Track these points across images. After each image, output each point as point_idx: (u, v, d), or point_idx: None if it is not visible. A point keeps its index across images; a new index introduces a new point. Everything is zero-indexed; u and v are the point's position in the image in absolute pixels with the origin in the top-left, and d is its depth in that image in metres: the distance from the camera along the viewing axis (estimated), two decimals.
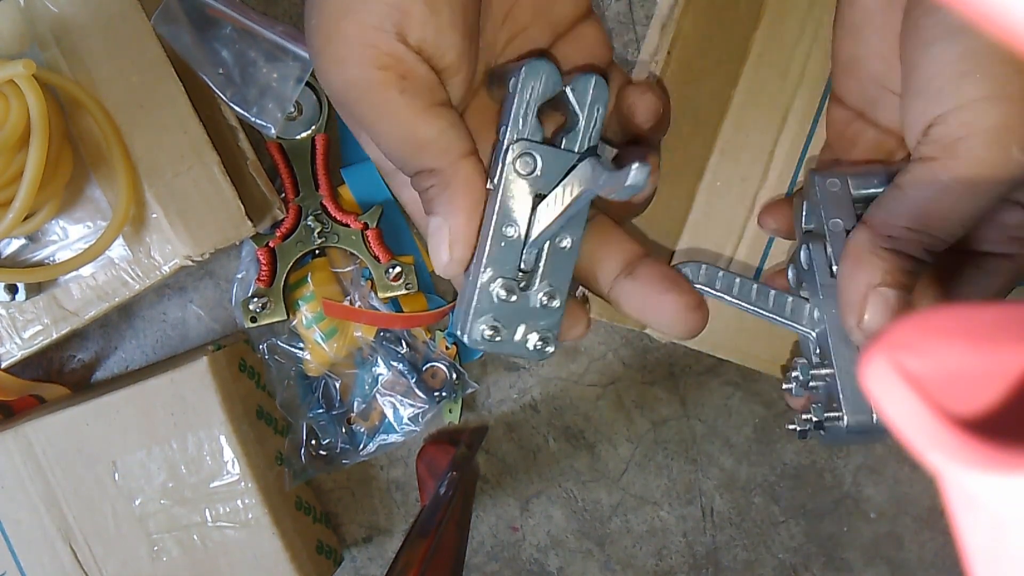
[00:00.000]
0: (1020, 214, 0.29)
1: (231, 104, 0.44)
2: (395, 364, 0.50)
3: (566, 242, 0.30)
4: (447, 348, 0.51)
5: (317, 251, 0.49)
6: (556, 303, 0.30)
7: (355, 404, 0.51)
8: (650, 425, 0.53)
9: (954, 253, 0.31)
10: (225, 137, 0.47)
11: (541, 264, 0.30)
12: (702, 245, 0.43)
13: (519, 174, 0.29)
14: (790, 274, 0.39)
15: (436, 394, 0.51)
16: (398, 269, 0.47)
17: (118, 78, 0.43)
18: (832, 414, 0.32)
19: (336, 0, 0.27)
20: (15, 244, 0.45)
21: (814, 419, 0.33)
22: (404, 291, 0.48)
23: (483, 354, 0.52)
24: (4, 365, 0.47)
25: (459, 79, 0.28)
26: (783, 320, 0.36)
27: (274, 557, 0.47)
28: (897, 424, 0.14)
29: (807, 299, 0.36)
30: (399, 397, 0.50)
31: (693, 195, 0.43)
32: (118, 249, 0.45)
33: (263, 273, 0.48)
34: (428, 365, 0.51)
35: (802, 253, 0.36)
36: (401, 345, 0.51)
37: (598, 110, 0.30)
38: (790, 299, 0.36)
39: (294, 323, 0.49)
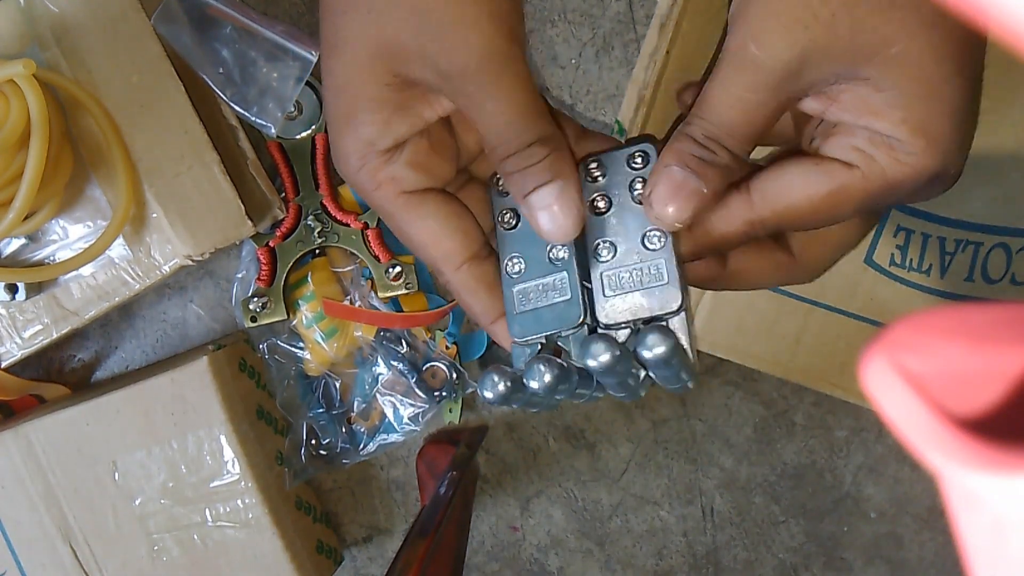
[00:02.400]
0: (864, 132, 0.28)
1: (231, 104, 0.44)
2: (395, 364, 0.50)
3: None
4: (447, 348, 0.51)
5: (317, 251, 0.49)
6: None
7: (355, 404, 0.51)
8: (650, 425, 0.53)
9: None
10: (225, 137, 0.47)
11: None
12: None
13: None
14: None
15: (436, 394, 0.51)
16: (398, 269, 0.47)
17: (118, 78, 0.43)
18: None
19: (338, 108, 0.29)
20: (15, 244, 0.45)
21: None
22: (404, 291, 0.48)
23: (483, 354, 0.52)
24: (4, 365, 0.47)
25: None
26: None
27: (274, 557, 0.47)
28: (897, 424, 0.14)
29: None
30: (399, 397, 0.50)
31: None
32: (118, 249, 0.45)
33: (263, 273, 0.48)
34: (428, 365, 0.51)
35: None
36: (401, 345, 0.51)
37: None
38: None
39: (294, 323, 0.49)
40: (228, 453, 0.47)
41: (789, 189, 0.29)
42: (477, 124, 0.29)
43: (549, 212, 0.28)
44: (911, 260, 0.43)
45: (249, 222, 0.44)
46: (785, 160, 0.30)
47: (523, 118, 0.28)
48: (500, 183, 0.31)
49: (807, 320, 0.44)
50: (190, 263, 0.44)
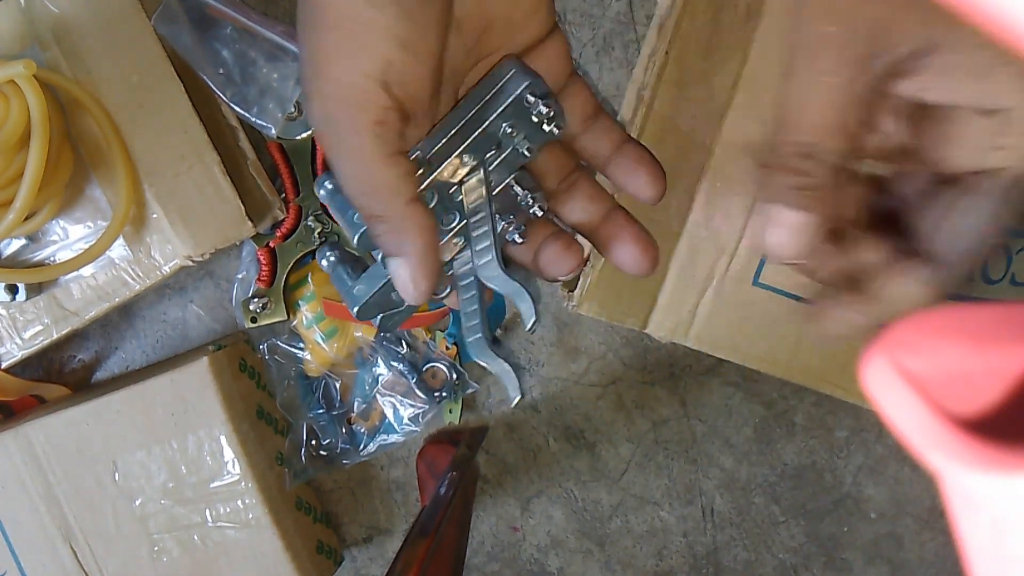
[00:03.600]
0: (982, 122, 0.25)
1: (231, 104, 0.44)
2: (395, 364, 0.50)
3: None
4: (447, 348, 0.51)
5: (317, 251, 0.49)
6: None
7: (355, 404, 0.51)
8: (650, 425, 0.53)
9: (931, 184, 0.27)
10: (225, 137, 0.47)
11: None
12: (701, 244, 0.43)
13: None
14: None
15: (436, 394, 0.51)
16: None
17: (118, 78, 0.43)
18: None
19: (330, 41, 0.27)
20: (15, 244, 0.45)
21: None
22: None
23: None
24: (4, 365, 0.47)
25: (426, 121, 0.29)
26: None
27: (274, 557, 0.47)
28: (897, 424, 0.14)
29: None
30: (399, 397, 0.50)
31: (693, 194, 0.43)
32: (118, 249, 0.45)
33: (263, 273, 0.48)
34: (428, 365, 0.51)
35: None
36: (401, 345, 0.51)
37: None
38: None
39: (294, 323, 0.49)
40: (228, 453, 0.47)
41: (957, 235, 0.26)
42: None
43: (396, 281, 0.29)
44: None
45: (249, 222, 0.44)
46: (930, 200, 0.27)
47: (363, 187, 0.28)
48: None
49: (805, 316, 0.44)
50: (190, 263, 0.44)
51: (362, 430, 0.52)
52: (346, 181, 0.28)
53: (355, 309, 0.31)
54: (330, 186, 0.30)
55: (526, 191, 0.31)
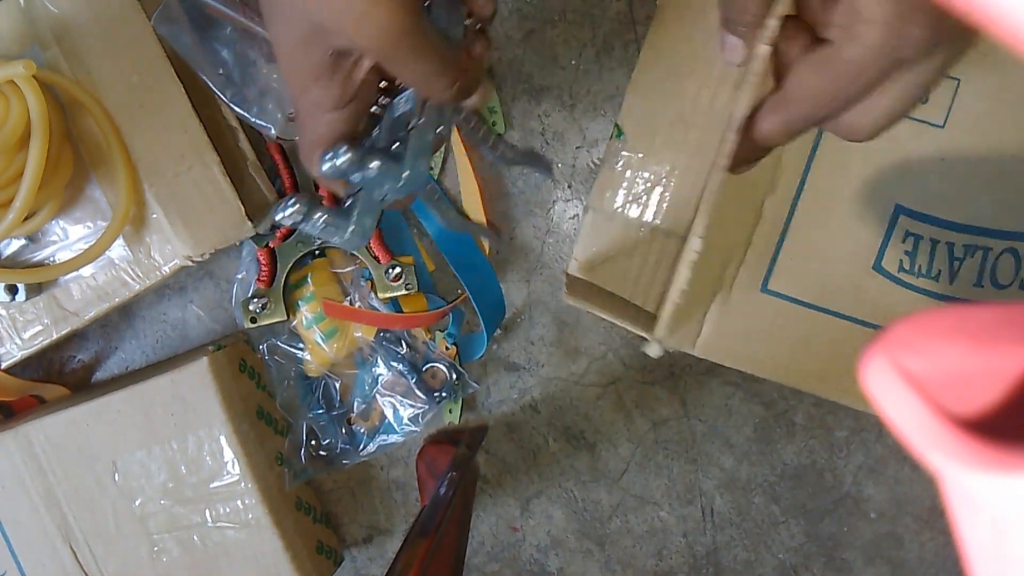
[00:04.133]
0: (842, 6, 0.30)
1: (231, 104, 0.44)
2: (395, 364, 0.50)
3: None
4: (447, 348, 0.51)
5: (317, 251, 0.49)
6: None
7: (355, 404, 0.51)
8: (650, 425, 0.53)
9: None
10: (225, 137, 0.47)
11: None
12: (710, 252, 0.43)
13: None
14: None
15: (436, 394, 0.51)
16: (398, 270, 0.47)
17: (118, 78, 0.43)
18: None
19: (288, 81, 0.32)
20: (15, 244, 0.45)
21: None
22: (404, 291, 0.48)
23: (483, 354, 0.52)
24: (4, 365, 0.47)
25: None
26: None
27: (274, 557, 0.47)
28: (897, 424, 0.14)
29: None
30: (399, 397, 0.50)
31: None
32: (118, 249, 0.45)
33: (263, 273, 0.48)
34: (428, 365, 0.51)
35: None
36: (401, 345, 0.51)
37: None
38: None
39: (294, 323, 0.49)
40: (228, 453, 0.47)
41: (801, 83, 0.32)
42: (404, 82, 0.34)
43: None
44: (919, 266, 0.43)
45: (249, 222, 0.44)
46: (804, 56, 0.32)
47: (440, 72, 0.33)
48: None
49: (813, 326, 0.44)
50: (190, 264, 0.44)
51: (362, 430, 0.52)
52: (417, 78, 0.32)
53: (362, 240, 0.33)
54: (339, 160, 0.32)
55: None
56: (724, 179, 0.36)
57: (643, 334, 0.43)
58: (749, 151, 0.35)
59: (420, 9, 0.32)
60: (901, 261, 0.43)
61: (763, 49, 0.33)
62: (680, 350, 0.45)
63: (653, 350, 0.39)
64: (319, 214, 0.32)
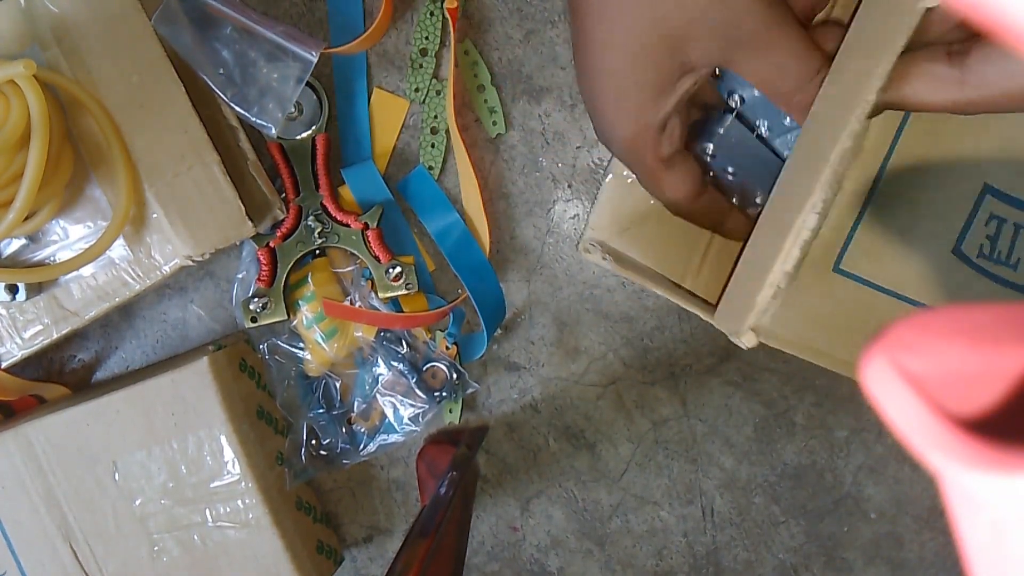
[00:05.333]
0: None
1: (231, 104, 0.44)
2: (395, 364, 0.50)
3: None
4: (447, 348, 0.51)
5: (317, 251, 0.49)
6: None
7: (355, 404, 0.51)
8: (650, 425, 0.53)
9: None
10: (225, 137, 0.47)
11: None
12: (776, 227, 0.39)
13: None
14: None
15: (436, 394, 0.51)
16: (398, 269, 0.47)
17: (118, 78, 0.43)
18: None
19: (611, 89, 0.34)
20: (15, 244, 0.45)
21: None
22: (404, 291, 0.48)
23: (484, 354, 0.52)
24: (4, 365, 0.47)
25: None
26: None
27: (274, 557, 0.47)
28: (897, 424, 0.14)
29: None
30: (399, 397, 0.50)
31: None
32: (118, 249, 0.45)
33: (263, 273, 0.48)
34: (428, 365, 0.51)
35: None
36: (401, 345, 0.51)
37: None
38: None
39: (294, 323, 0.49)
40: (228, 453, 0.47)
41: (1005, 77, 0.29)
42: (769, 80, 0.34)
43: None
44: (1000, 252, 0.39)
45: (249, 222, 0.44)
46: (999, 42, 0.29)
47: (805, 56, 0.34)
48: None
49: (885, 312, 0.40)
50: (190, 263, 0.44)
51: (362, 430, 0.52)
52: (785, 65, 0.34)
53: None
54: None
55: None
56: (849, 148, 0.32)
57: (679, 301, 0.41)
58: (876, 109, 0.33)
59: None
60: (982, 245, 0.40)
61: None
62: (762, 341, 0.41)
63: (748, 341, 0.36)
64: None
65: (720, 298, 0.41)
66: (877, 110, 0.33)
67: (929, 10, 0.30)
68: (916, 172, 0.39)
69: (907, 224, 0.39)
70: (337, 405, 0.52)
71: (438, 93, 0.49)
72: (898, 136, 0.39)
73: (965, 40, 0.31)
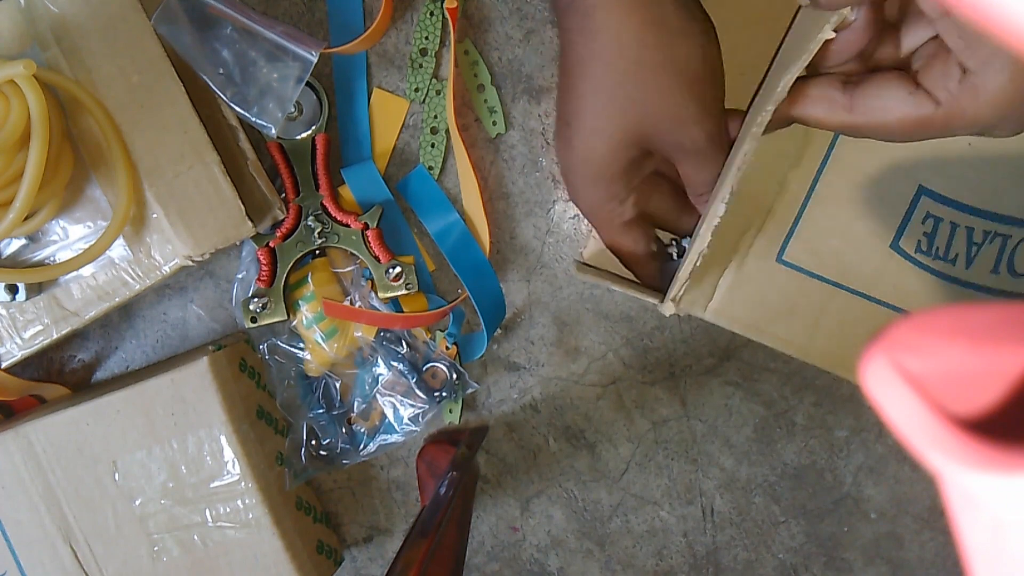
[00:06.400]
0: (957, 72, 0.33)
1: (231, 104, 0.44)
2: (395, 364, 0.50)
3: None
4: (447, 348, 0.51)
5: (317, 251, 0.49)
6: None
7: (355, 404, 0.51)
8: (650, 425, 0.53)
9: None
10: (225, 137, 0.47)
11: None
12: (729, 218, 0.43)
13: None
14: None
15: (436, 394, 0.51)
16: (398, 269, 0.47)
17: (118, 78, 0.43)
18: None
19: (587, 169, 0.42)
20: (15, 244, 0.45)
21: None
22: (404, 291, 0.48)
23: (484, 354, 0.52)
24: (4, 365, 0.47)
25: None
26: None
27: (274, 557, 0.47)
28: (897, 424, 0.14)
29: None
30: (399, 397, 0.50)
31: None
32: (118, 249, 0.45)
33: (263, 273, 0.48)
34: (428, 365, 0.51)
35: None
36: (401, 345, 0.51)
37: None
38: None
39: (294, 323, 0.49)
40: (228, 453, 0.47)
41: (884, 110, 0.34)
42: (692, 179, 0.42)
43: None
44: (937, 248, 0.43)
45: (249, 222, 0.44)
46: (886, 78, 0.34)
47: (718, 173, 0.41)
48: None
49: (829, 302, 0.44)
50: (190, 263, 0.44)
51: (362, 430, 0.52)
52: (709, 177, 0.42)
53: None
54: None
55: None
56: (755, 148, 0.36)
57: (654, 301, 0.44)
58: (782, 121, 0.38)
59: (723, 122, 0.40)
60: (919, 242, 0.43)
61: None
62: (691, 313, 0.46)
63: (667, 309, 0.41)
64: None
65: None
66: (779, 123, 0.37)
67: (828, 41, 0.34)
68: (853, 175, 0.43)
69: (845, 222, 0.44)
70: (337, 405, 0.52)
71: (438, 93, 0.49)
72: (835, 141, 0.43)
73: (860, 73, 0.36)
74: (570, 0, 0.38)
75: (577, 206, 0.45)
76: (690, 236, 0.45)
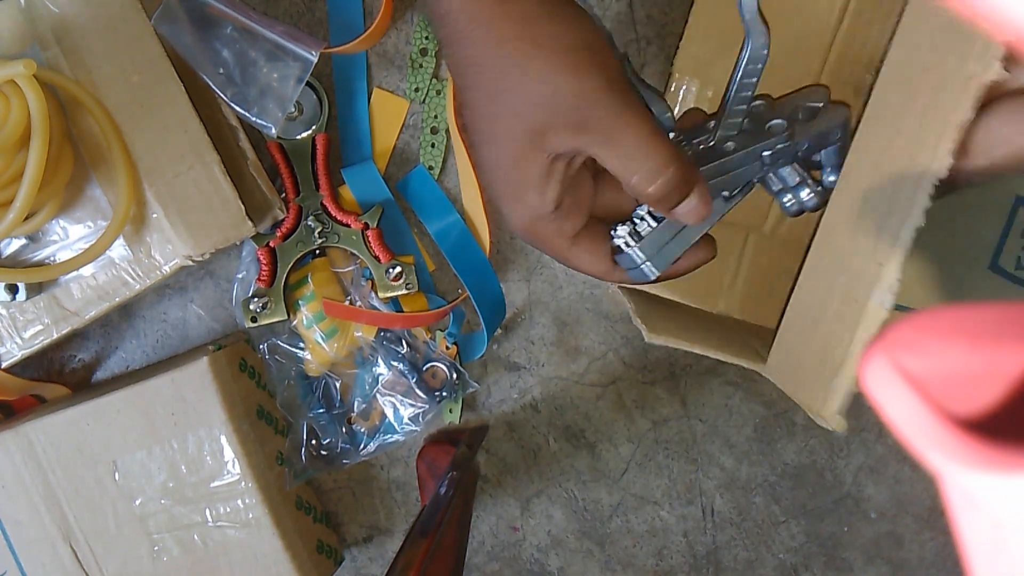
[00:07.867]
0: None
1: (231, 104, 0.44)
2: (395, 364, 0.50)
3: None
4: (447, 348, 0.51)
5: (317, 251, 0.49)
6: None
7: (355, 404, 0.51)
8: (650, 425, 0.53)
9: None
10: (225, 137, 0.47)
11: None
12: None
13: None
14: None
15: (436, 394, 0.51)
16: (398, 269, 0.47)
17: (118, 78, 0.43)
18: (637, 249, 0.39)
19: (505, 187, 0.37)
20: (16, 244, 0.45)
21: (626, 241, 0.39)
22: (404, 291, 0.48)
23: (484, 354, 0.52)
24: (4, 365, 0.47)
25: None
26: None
27: (274, 557, 0.47)
28: (897, 424, 0.14)
29: None
30: (399, 397, 0.50)
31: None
32: (118, 249, 0.45)
33: (263, 273, 0.48)
34: (428, 365, 0.51)
35: None
36: (401, 345, 0.51)
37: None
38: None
39: (294, 323, 0.49)
40: (228, 453, 0.47)
41: (1006, 139, 0.30)
42: (613, 165, 0.36)
43: (691, 213, 0.37)
44: None
45: (249, 222, 0.44)
46: (997, 107, 0.30)
47: (651, 146, 0.35)
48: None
49: None
50: (190, 263, 0.44)
51: (362, 430, 0.52)
52: (630, 151, 0.35)
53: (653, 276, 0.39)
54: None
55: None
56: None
57: (746, 364, 0.40)
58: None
59: (629, 91, 0.36)
60: (1019, 258, 0.41)
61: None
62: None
63: (839, 426, 0.35)
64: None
65: (772, 346, 0.40)
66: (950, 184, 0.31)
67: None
68: (947, 197, 0.37)
69: (943, 247, 0.40)
70: (337, 405, 0.52)
71: (438, 93, 0.49)
72: None
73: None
74: (433, 10, 0.36)
75: (519, 234, 0.39)
76: (638, 217, 0.40)
